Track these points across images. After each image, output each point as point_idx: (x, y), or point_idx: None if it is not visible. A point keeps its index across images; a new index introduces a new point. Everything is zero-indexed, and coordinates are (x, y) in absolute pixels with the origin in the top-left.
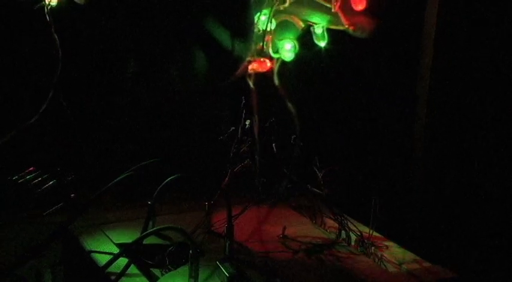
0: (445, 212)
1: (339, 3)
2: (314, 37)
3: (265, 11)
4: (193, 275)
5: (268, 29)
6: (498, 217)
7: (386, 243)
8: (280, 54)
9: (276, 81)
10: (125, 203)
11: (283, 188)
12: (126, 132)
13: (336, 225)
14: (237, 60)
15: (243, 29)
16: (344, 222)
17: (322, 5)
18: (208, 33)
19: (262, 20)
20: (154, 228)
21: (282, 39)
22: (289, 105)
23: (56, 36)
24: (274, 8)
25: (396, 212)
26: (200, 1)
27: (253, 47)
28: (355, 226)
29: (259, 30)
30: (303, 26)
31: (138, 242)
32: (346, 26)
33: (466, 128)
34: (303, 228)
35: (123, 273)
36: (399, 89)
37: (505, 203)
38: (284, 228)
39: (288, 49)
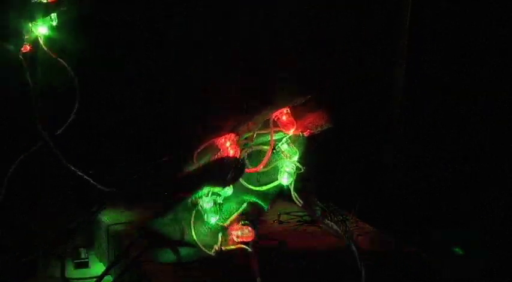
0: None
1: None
2: (282, 155)
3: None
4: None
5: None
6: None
7: (365, 227)
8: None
9: None
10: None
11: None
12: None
13: (323, 211)
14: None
15: None
16: (329, 210)
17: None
18: None
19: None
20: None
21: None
22: None
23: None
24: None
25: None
26: None
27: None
28: (338, 212)
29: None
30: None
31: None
32: (302, 134)
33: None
34: (295, 214)
35: (143, 251)
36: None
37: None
38: (279, 214)
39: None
